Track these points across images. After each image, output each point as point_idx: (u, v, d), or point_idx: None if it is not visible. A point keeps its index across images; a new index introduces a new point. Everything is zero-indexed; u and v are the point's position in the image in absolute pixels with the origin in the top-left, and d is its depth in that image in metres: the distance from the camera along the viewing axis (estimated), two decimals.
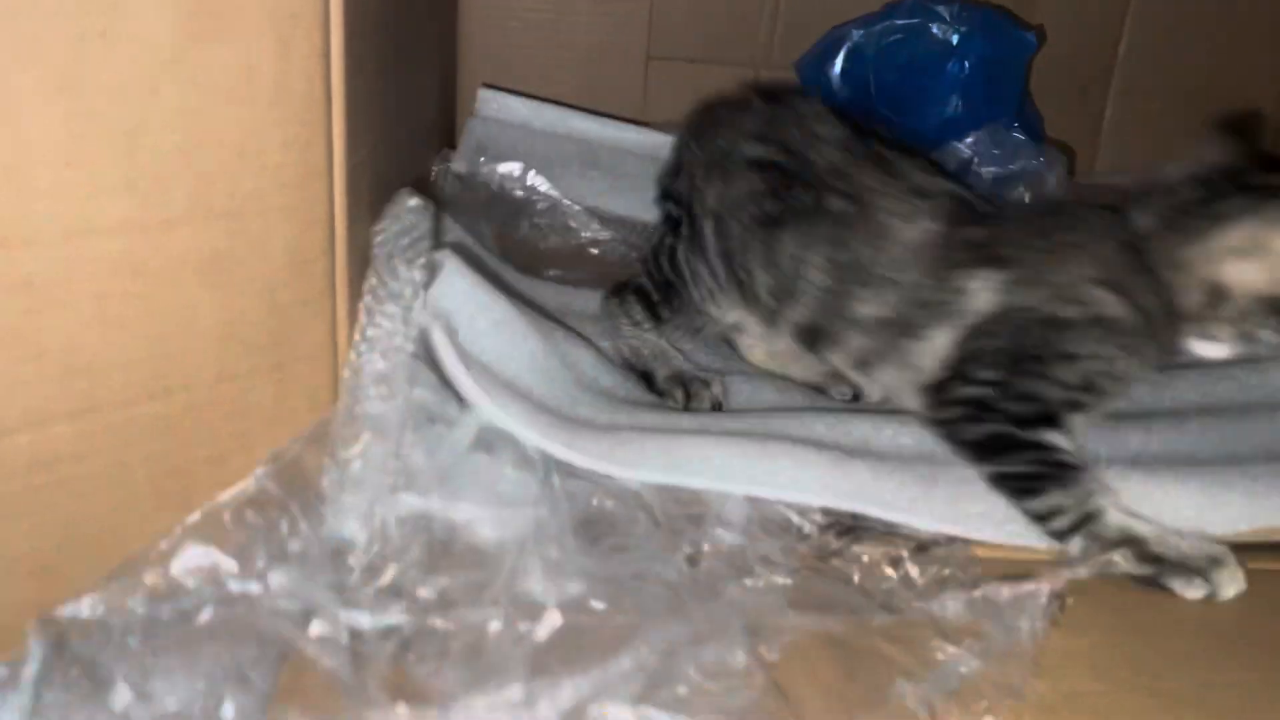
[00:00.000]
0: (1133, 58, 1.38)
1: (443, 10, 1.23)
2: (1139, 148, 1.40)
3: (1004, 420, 0.68)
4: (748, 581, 0.60)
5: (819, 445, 0.72)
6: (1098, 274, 0.70)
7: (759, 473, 0.69)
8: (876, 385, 0.81)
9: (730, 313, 0.87)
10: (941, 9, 1.16)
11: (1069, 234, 0.74)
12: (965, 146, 1.11)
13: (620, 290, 0.90)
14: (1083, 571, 0.60)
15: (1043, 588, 0.58)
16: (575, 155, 1.22)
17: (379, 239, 0.68)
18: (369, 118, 0.70)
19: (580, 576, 0.58)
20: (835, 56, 1.18)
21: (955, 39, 1.14)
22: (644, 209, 1.18)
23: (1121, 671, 0.56)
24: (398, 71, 0.85)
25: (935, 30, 1.15)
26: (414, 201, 0.71)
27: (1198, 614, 0.62)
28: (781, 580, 0.61)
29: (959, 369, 0.72)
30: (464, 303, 0.72)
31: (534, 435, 0.67)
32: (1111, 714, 0.53)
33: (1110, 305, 0.70)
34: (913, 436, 0.75)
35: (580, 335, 0.86)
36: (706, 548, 0.63)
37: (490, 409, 0.67)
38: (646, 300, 0.88)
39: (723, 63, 1.37)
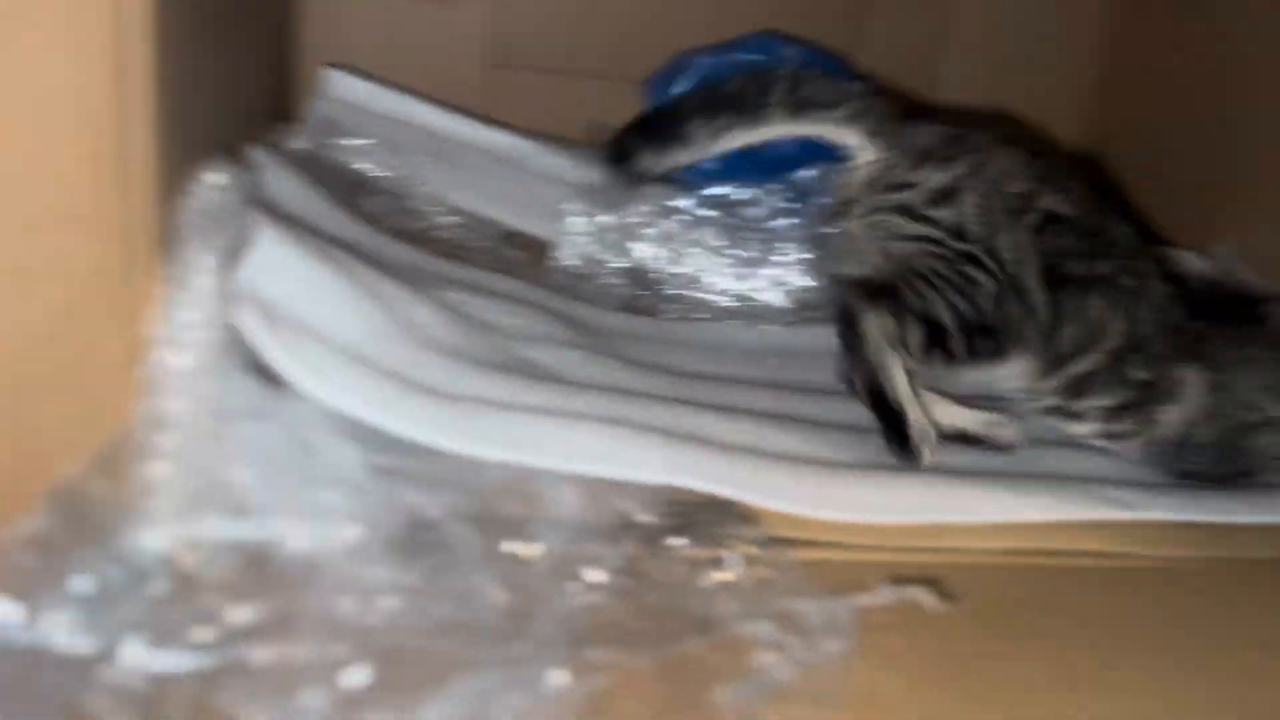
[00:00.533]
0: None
1: (274, 10, 1.19)
2: None
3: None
4: (571, 587, 0.61)
5: (666, 431, 0.76)
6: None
7: (597, 451, 0.71)
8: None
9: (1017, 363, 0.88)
10: (785, 49, 1.20)
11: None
12: (808, 176, 1.14)
13: (898, 312, 0.82)
14: (886, 598, 0.64)
15: (858, 602, 0.62)
16: (418, 143, 1.21)
17: (179, 221, 0.64)
18: (183, 118, 0.66)
19: (396, 596, 0.57)
20: (680, 82, 1.20)
21: None
22: (487, 205, 1.18)
23: (928, 669, 0.60)
24: (219, 62, 0.81)
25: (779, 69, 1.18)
26: (216, 178, 0.68)
27: (991, 611, 0.68)
28: (607, 582, 0.62)
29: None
30: (283, 275, 0.69)
31: (367, 409, 0.66)
32: (910, 709, 0.57)
33: None
34: (752, 430, 0.81)
35: (426, 294, 0.84)
36: (535, 551, 0.63)
37: (315, 385, 0.65)
38: (940, 335, 0.83)
39: (564, 73, 1.37)
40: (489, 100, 1.37)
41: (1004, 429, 0.89)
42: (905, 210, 0.87)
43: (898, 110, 0.94)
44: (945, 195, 0.85)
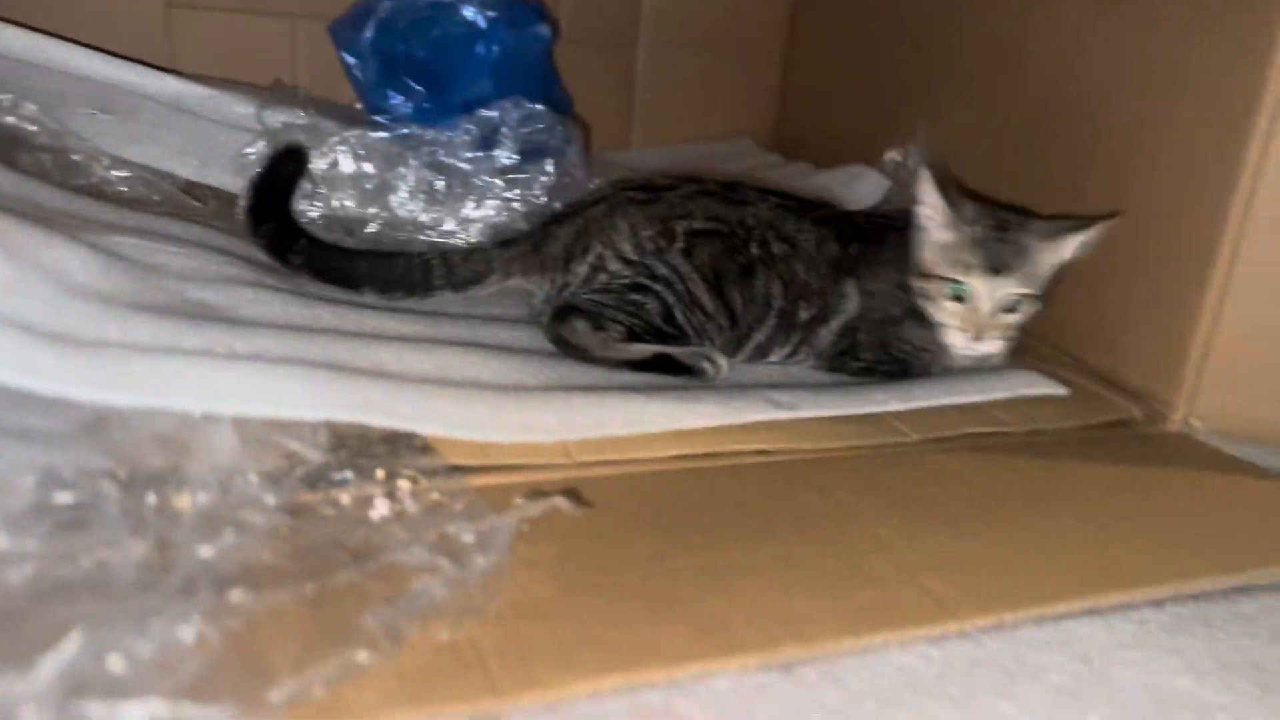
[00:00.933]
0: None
1: None
2: (671, 110, 1.59)
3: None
4: (224, 533, 0.60)
5: (339, 367, 0.76)
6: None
7: (259, 391, 0.70)
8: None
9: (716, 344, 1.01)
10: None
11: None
12: (491, 114, 1.15)
13: (600, 327, 0.95)
14: (535, 511, 0.67)
15: (511, 519, 0.65)
16: (84, 96, 1.14)
17: None
18: None
19: (20, 565, 0.55)
20: (367, 24, 1.18)
21: (483, 23, 1.19)
22: (165, 157, 1.12)
23: (577, 574, 0.64)
24: None
25: (465, 13, 1.19)
26: None
27: (651, 514, 0.72)
28: (263, 524, 0.62)
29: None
30: None
31: None
32: (560, 615, 0.60)
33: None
34: (432, 360, 0.83)
35: (80, 240, 0.80)
36: (184, 502, 0.62)
37: None
38: (630, 334, 0.96)
39: (252, 12, 1.31)
40: (171, 44, 1.30)
41: (704, 359, 0.96)
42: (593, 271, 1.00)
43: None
44: (595, 270, 0.98)
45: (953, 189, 0.97)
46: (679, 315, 0.97)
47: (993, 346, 0.96)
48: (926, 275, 0.95)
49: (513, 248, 1.02)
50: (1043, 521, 0.76)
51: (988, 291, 0.93)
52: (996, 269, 0.92)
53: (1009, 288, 0.92)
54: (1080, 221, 0.94)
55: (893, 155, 1.35)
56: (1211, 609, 0.69)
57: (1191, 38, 0.95)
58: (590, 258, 0.99)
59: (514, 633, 0.57)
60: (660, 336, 0.97)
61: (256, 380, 0.71)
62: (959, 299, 0.94)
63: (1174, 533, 0.77)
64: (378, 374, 0.77)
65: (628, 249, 0.98)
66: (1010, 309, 0.94)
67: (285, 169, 1.04)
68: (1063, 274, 0.96)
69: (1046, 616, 0.65)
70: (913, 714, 0.56)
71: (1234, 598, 0.71)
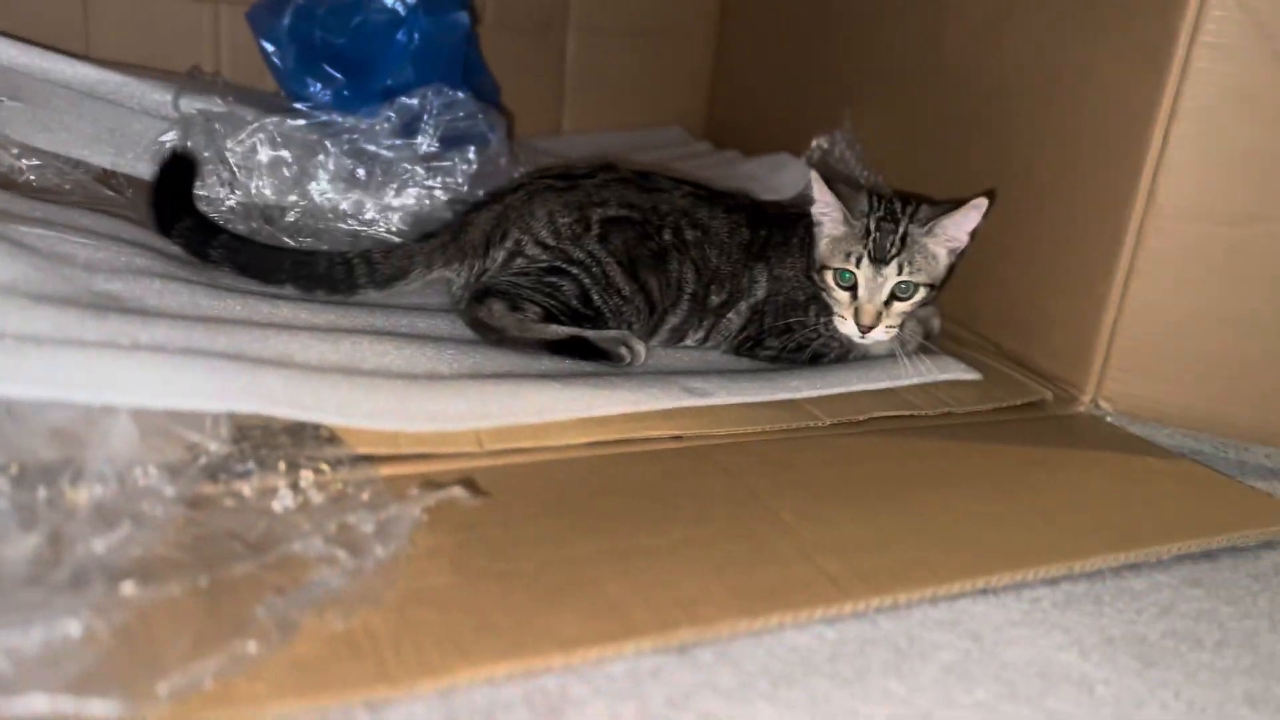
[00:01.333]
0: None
1: None
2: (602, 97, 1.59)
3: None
4: (119, 526, 0.60)
5: (244, 358, 0.76)
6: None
7: (158, 381, 0.70)
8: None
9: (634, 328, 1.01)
10: None
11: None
12: (412, 102, 1.14)
13: (517, 307, 0.96)
14: (432, 501, 0.68)
15: (411, 508, 0.66)
16: None
17: None
18: None
19: None
20: (284, 11, 1.17)
21: (403, 11, 1.18)
22: (78, 146, 1.10)
23: (477, 561, 0.64)
24: None
25: (385, 0, 1.17)
26: None
27: (556, 501, 0.73)
28: (160, 515, 0.62)
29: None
30: None
31: None
32: (456, 601, 0.60)
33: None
34: (341, 350, 0.83)
35: None
36: (79, 495, 0.62)
37: None
38: (547, 315, 0.97)
39: None
40: (89, 26, 1.27)
41: (621, 344, 0.96)
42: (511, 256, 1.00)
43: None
44: (513, 255, 0.99)
45: (842, 184, 0.99)
46: (595, 298, 0.98)
47: (884, 334, 0.97)
48: (823, 268, 0.97)
49: (432, 240, 1.02)
50: (944, 503, 0.78)
51: (875, 281, 0.95)
52: (882, 259, 0.94)
53: (897, 276, 0.94)
54: (951, 205, 0.96)
55: (820, 142, 1.36)
56: (1102, 586, 0.71)
57: (1099, 34, 0.97)
58: (509, 243, 0.99)
59: (409, 620, 0.58)
60: (577, 318, 0.97)
61: (157, 371, 0.71)
62: (850, 289, 0.96)
63: (1074, 513, 0.79)
64: (283, 364, 0.77)
65: (545, 235, 0.99)
66: (901, 297, 0.96)
67: (179, 170, 1.03)
68: (956, 261, 0.98)
69: (941, 596, 0.67)
70: (804, 693, 0.58)
71: (1125, 575, 0.73)
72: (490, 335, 0.95)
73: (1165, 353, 0.97)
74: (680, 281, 1.02)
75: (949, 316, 1.13)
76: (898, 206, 0.97)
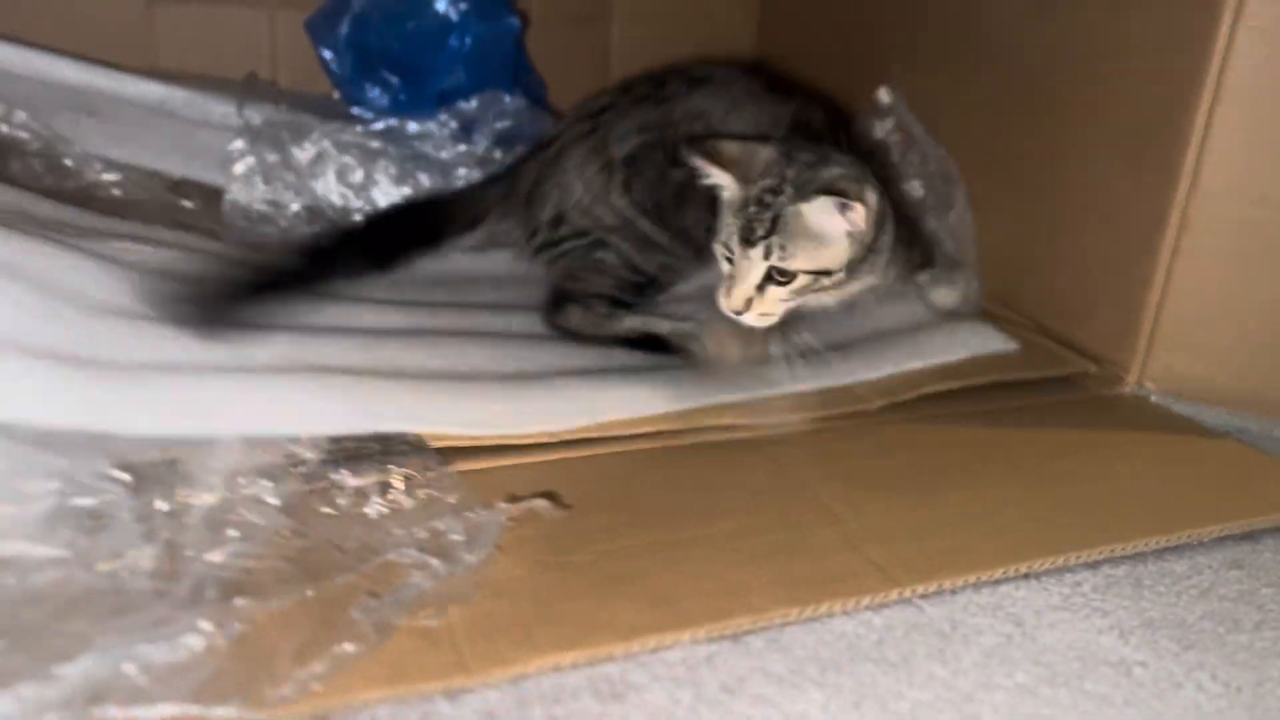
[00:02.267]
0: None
1: None
2: None
3: None
4: (228, 536, 0.64)
5: (347, 371, 0.80)
6: None
7: (283, 412, 0.75)
8: None
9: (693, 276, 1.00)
10: None
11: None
12: (468, 106, 1.18)
13: (587, 306, 0.98)
14: (516, 511, 0.72)
15: (497, 517, 0.70)
16: (67, 102, 1.17)
17: None
18: None
19: (44, 571, 0.59)
20: (342, 20, 1.21)
21: (455, 16, 1.22)
22: (151, 158, 1.16)
23: (539, 554, 0.68)
24: None
25: (438, 6, 1.21)
26: None
27: (609, 494, 0.77)
28: (265, 525, 0.66)
29: None
30: None
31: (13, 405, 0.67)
32: (523, 593, 0.64)
33: None
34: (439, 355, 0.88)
35: (81, 250, 0.82)
36: (190, 503, 0.66)
37: None
38: (614, 300, 0.98)
39: (230, 3, 1.34)
40: (153, 36, 1.32)
41: (692, 338, 0.96)
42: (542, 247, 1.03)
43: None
44: (557, 220, 1.01)
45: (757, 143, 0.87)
46: (637, 259, 0.98)
47: (759, 321, 0.85)
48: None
49: (496, 187, 1.06)
50: (988, 490, 0.81)
51: (744, 263, 0.83)
52: (749, 240, 0.82)
53: (764, 261, 0.82)
54: (829, 182, 0.82)
55: (882, 92, 1.32)
56: (1143, 569, 0.74)
57: (1143, 13, 0.98)
58: (549, 206, 1.01)
59: (483, 613, 0.62)
60: (632, 288, 0.99)
61: (272, 402, 0.75)
62: (730, 262, 0.85)
63: (1117, 495, 0.81)
64: (390, 376, 0.81)
65: (580, 192, 0.99)
66: (780, 282, 0.83)
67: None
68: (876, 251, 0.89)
69: (984, 582, 0.70)
70: (851, 678, 0.61)
71: (1166, 557, 0.75)
72: (571, 338, 0.98)
73: (1210, 332, 0.98)
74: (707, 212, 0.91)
75: (991, 297, 1.14)
76: (789, 174, 0.82)
